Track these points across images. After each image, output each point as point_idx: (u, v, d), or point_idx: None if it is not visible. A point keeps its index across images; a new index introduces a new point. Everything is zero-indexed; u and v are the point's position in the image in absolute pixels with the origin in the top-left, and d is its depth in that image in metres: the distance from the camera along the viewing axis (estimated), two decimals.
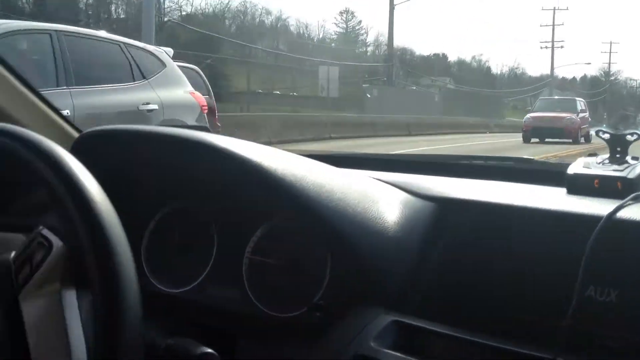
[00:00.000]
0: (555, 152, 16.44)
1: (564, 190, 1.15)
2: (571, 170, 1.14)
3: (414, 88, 45.29)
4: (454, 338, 0.94)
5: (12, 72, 1.19)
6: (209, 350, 0.92)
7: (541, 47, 54.56)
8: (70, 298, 0.77)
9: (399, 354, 0.93)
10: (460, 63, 65.46)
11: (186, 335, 0.96)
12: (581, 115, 23.70)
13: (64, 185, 0.73)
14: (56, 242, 0.77)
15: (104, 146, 1.19)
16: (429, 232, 1.10)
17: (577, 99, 26.71)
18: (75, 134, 1.33)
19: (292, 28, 55.07)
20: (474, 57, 73.24)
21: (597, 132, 1.21)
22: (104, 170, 0.79)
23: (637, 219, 0.95)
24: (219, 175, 1.18)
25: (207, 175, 1.21)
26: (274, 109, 26.69)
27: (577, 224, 0.99)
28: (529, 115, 24.17)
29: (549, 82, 50.89)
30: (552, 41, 49.95)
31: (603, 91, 64.27)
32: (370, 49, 58.61)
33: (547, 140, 21.84)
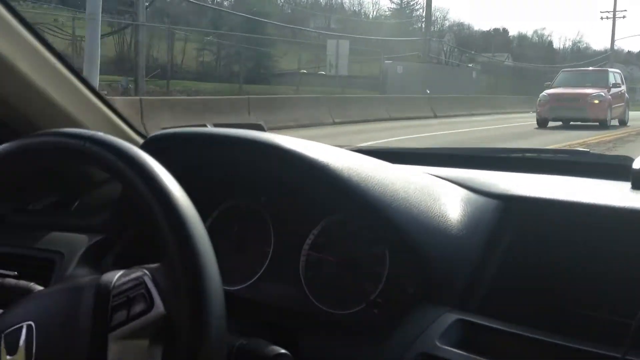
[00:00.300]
0: (585, 139, 13.51)
1: (627, 185, 1.13)
2: (637, 165, 1.12)
3: (469, 65, 41.83)
4: (520, 336, 0.94)
5: (77, 76, 1.21)
6: (283, 350, 0.94)
7: (601, 18, 50.79)
8: (157, 353, 0.79)
9: (464, 353, 0.92)
10: (521, 38, 62.13)
11: (251, 334, 0.97)
12: (614, 90, 18.19)
13: (170, 228, 0.75)
14: (157, 304, 0.79)
15: (169, 149, 1.22)
16: (492, 230, 1.09)
17: (610, 69, 20.48)
18: (139, 138, 1.36)
19: (345, 6, 53.93)
20: (535, 32, 69.80)
21: None
22: (169, 171, 0.82)
23: None
24: (279, 175, 1.19)
25: (267, 174, 1.23)
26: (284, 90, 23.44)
27: None
28: (545, 92, 18.23)
29: (607, 55, 47.49)
30: (614, 11, 45.81)
31: None
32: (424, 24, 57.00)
33: (572, 124, 17.47)
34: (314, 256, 1.21)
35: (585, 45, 71.19)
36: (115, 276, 0.83)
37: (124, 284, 0.81)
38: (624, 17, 52.44)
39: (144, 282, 0.81)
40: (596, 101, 17.30)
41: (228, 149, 1.18)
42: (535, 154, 1.54)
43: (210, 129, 1.19)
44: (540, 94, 18.42)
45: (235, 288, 1.25)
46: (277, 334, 1.06)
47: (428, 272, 1.05)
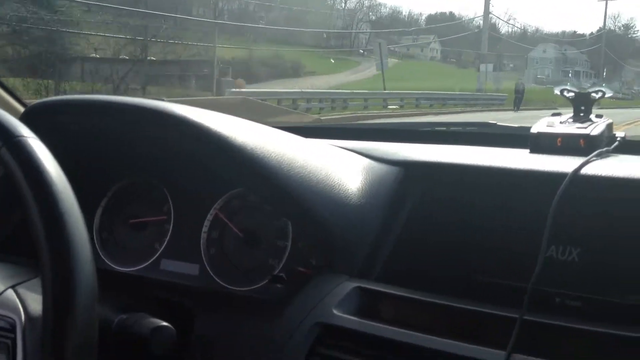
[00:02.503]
0: None
1: (527, 151, 1.13)
2: (534, 129, 1.12)
3: None
4: (419, 302, 0.92)
5: None
6: (164, 323, 0.89)
7: None
8: None
9: (360, 319, 0.90)
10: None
11: (139, 310, 0.92)
12: None
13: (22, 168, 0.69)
14: None
15: (53, 118, 1.13)
16: (393, 197, 1.07)
17: None
18: (21, 108, 1.28)
19: None
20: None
21: (561, 91, 1.19)
22: (53, 144, 0.75)
23: (602, 175, 0.94)
24: (175, 146, 1.13)
25: (163, 146, 1.17)
26: None
27: (541, 182, 0.98)
28: None
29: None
30: None
31: (595, 39, 55.70)
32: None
33: None
34: (215, 232, 1.17)
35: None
36: None
37: None
38: None
39: (14, 330, 0.76)
40: None
41: (115, 117, 1.10)
42: (444, 127, 1.55)
43: (99, 96, 1.12)
44: None
45: (135, 268, 1.20)
46: (172, 311, 1.01)
47: (328, 241, 1.02)
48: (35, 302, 0.79)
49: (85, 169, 1.16)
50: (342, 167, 1.10)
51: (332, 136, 1.37)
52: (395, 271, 1.01)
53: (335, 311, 0.92)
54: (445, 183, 1.07)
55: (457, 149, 1.22)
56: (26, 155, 0.69)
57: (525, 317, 0.83)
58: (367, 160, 1.15)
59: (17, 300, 0.79)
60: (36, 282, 0.83)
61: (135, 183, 1.27)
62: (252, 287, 1.09)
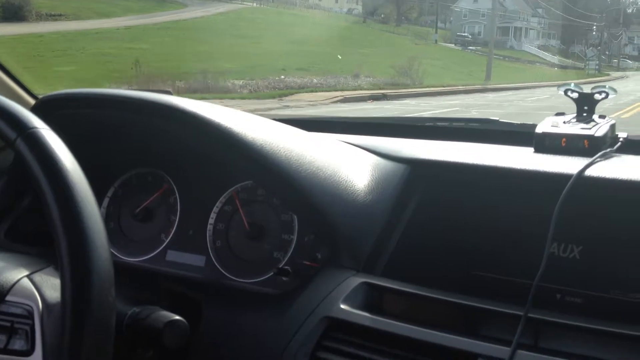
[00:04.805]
0: None
1: (531, 149, 1.14)
2: (539, 129, 1.14)
3: None
4: (425, 297, 0.94)
5: None
6: (177, 317, 0.90)
7: None
8: None
9: (367, 314, 0.92)
10: None
11: (150, 303, 0.93)
12: None
13: (39, 161, 0.70)
14: (37, 353, 0.76)
15: (63, 111, 1.14)
16: (399, 195, 1.09)
17: None
18: (31, 100, 1.28)
19: None
20: None
21: (565, 91, 1.20)
22: (63, 135, 0.76)
23: (606, 176, 0.95)
24: (184, 139, 1.14)
25: (170, 139, 1.18)
26: None
27: (546, 182, 0.99)
28: None
29: None
30: None
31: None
32: None
33: None
34: (221, 224, 1.18)
35: None
36: (7, 285, 0.79)
37: (14, 304, 0.78)
38: None
39: (32, 317, 0.77)
40: None
41: (124, 111, 1.11)
42: (446, 123, 1.56)
43: (107, 90, 1.12)
44: None
45: (141, 259, 1.22)
46: (181, 303, 1.02)
47: (335, 237, 1.04)
48: (51, 289, 0.80)
49: (93, 159, 1.17)
50: (349, 164, 1.11)
51: (334, 130, 1.38)
52: (400, 267, 1.02)
53: (342, 306, 0.94)
54: (450, 181, 1.08)
55: (461, 146, 1.23)
56: (41, 146, 0.70)
57: (530, 315, 0.85)
58: (373, 157, 1.16)
59: (33, 288, 0.80)
60: (50, 270, 0.85)
61: (142, 174, 1.28)
62: (258, 279, 1.10)
